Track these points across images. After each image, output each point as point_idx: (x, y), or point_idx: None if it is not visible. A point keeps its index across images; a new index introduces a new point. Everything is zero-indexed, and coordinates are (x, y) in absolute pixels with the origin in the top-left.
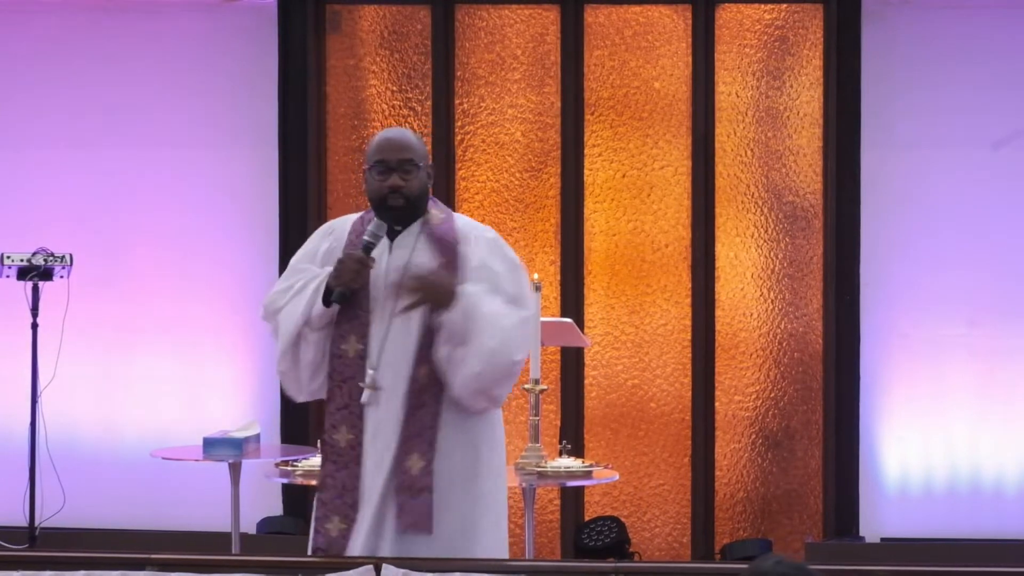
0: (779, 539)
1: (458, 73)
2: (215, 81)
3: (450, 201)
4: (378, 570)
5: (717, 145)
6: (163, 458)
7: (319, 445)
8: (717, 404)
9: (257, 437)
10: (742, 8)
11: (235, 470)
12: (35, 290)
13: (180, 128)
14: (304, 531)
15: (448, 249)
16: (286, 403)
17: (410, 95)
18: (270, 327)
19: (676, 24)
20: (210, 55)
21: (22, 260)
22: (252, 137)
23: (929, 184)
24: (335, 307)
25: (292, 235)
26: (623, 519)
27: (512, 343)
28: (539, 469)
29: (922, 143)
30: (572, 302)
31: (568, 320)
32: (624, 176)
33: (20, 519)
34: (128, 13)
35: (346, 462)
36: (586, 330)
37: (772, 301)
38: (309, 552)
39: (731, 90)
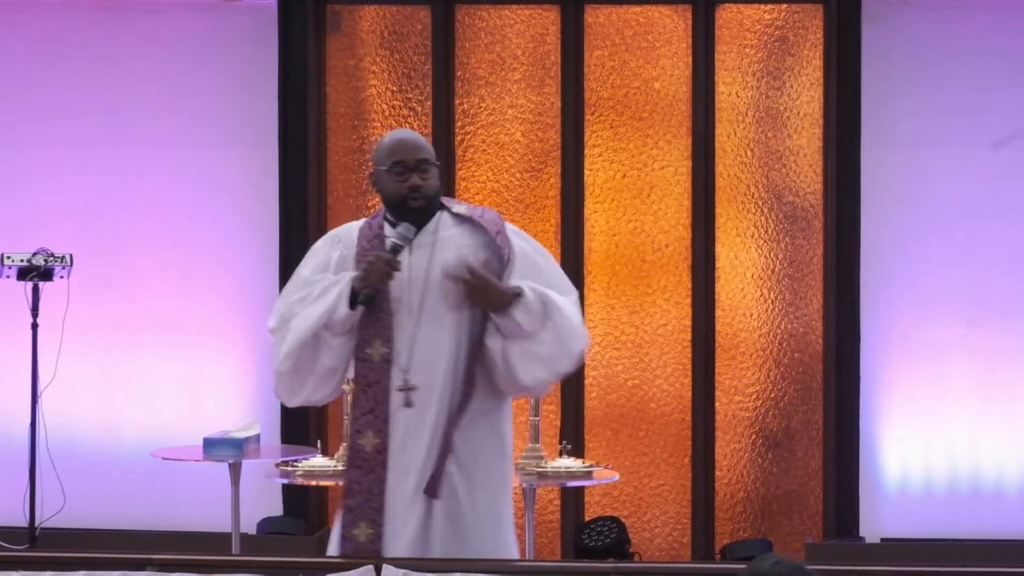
0: (779, 539)
1: (458, 73)
2: (215, 81)
3: None
4: (378, 570)
5: (717, 145)
6: (163, 458)
7: (319, 445)
8: (717, 404)
9: (257, 437)
10: (742, 8)
11: (235, 470)
12: (35, 290)
13: (180, 128)
14: (304, 531)
15: (492, 235)
16: None
17: (410, 95)
18: (275, 337)
19: (676, 24)
20: (210, 55)
21: (22, 260)
22: (252, 137)
23: (929, 184)
24: (359, 311)
25: (292, 235)
26: (623, 519)
27: (581, 328)
28: (539, 469)
29: (922, 143)
30: None
31: None
32: (624, 176)
33: (20, 519)
34: (128, 13)
35: (372, 467)
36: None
37: (772, 301)
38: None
39: (731, 90)
